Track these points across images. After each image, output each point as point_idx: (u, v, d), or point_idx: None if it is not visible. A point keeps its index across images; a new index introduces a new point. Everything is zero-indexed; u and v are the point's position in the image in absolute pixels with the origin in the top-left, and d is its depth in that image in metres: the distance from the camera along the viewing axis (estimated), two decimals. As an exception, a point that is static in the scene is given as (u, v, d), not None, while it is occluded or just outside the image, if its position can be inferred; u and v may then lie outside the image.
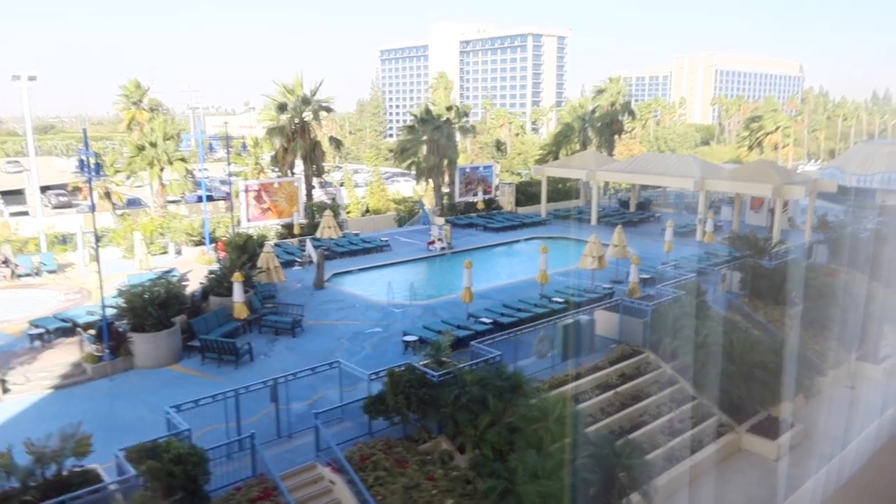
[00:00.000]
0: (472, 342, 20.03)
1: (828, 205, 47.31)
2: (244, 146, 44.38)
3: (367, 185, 64.03)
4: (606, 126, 62.64)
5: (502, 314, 24.68)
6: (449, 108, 51.96)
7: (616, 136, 68.22)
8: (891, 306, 26.68)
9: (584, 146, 60.78)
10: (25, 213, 47.48)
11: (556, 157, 60.88)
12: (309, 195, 44.42)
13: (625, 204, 52.88)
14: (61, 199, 56.47)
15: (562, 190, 54.77)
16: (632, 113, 69.48)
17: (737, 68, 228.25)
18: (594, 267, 27.92)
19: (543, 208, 48.65)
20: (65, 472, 12.40)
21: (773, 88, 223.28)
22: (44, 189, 58.07)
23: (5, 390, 18.87)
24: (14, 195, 58.47)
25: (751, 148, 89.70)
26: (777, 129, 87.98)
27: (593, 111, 62.81)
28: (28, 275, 31.56)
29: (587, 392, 19.87)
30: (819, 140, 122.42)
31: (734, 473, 18.64)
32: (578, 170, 47.44)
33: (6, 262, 31.33)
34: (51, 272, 32.04)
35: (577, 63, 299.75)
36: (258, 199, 39.63)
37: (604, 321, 23.44)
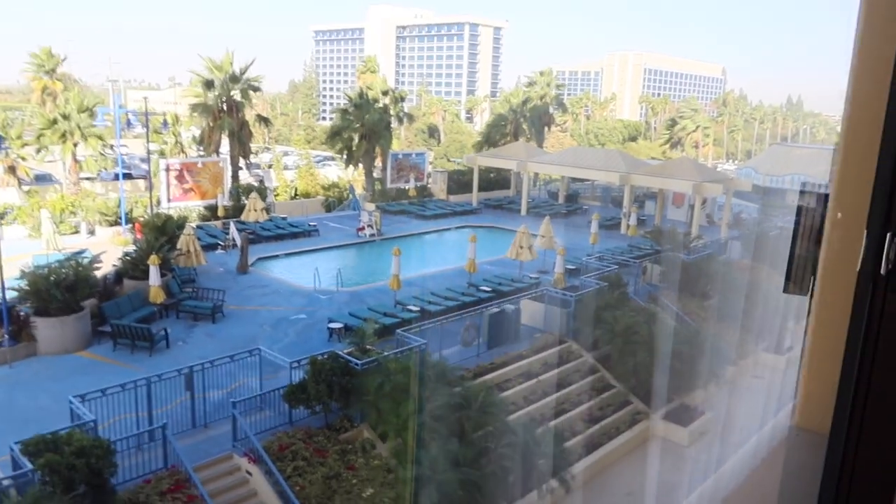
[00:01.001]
0: (399, 330, 19.87)
1: (743, 203, 49.34)
2: (165, 123, 42.53)
3: (296, 168, 62.70)
4: (538, 118, 63.38)
5: (430, 302, 24.60)
6: (385, 94, 51.35)
7: (547, 129, 69.16)
8: (795, 301, 28.01)
9: (517, 137, 61.33)
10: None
11: (490, 147, 61.26)
12: (235, 176, 43.11)
13: (554, 196, 53.69)
14: (-37, 172, 52.79)
15: (494, 180, 55.09)
16: (563, 106, 70.61)
17: (664, 68, 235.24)
18: (522, 257, 28.19)
19: (475, 197, 48.81)
20: (-46, 466, 11.56)
21: (698, 89, 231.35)
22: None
23: None
24: None
25: (672, 146, 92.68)
26: (697, 128, 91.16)
27: (525, 102, 63.38)
28: (-78, 253, 29.35)
29: (511, 380, 20.05)
30: (737, 141, 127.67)
31: (648, 459, 19.22)
32: (510, 160, 47.80)
33: None
34: (-52, 251, 29.88)
35: (514, 54, 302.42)
36: (180, 178, 38.12)
37: (529, 311, 23.70)
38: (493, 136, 63.97)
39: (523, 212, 45.73)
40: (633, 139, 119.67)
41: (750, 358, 25.36)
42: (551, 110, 65.79)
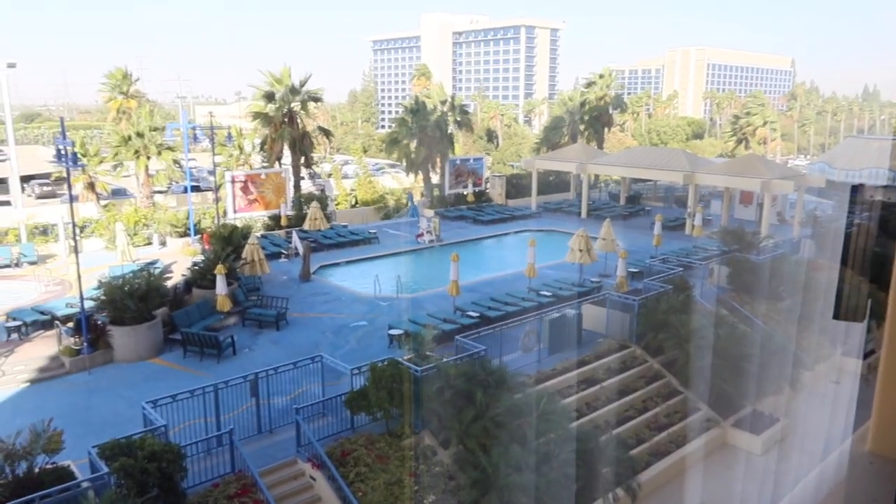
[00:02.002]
0: (458, 336, 19.81)
1: (817, 199, 47.32)
2: (229, 136, 43.83)
3: (356, 176, 63.63)
4: (597, 119, 62.42)
5: (489, 308, 24.47)
6: (443, 102, 51.56)
7: (607, 129, 68.04)
8: (879, 299, 26.63)
9: (575, 139, 60.58)
10: (7, 203, 46.82)
11: (548, 150, 60.68)
12: (297, 186, 43.99)
13: (615, 197, 52.76)
14: (45, 188, 55.77)
15: (552, 183, 54.63)
16: (623, 106, 69.29)
17: (729, 62, 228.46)
18: (582, 261, 27.72)
19: (534, 201, 48.46)
20: (36, 470, 12.11)
21: (765, 83, 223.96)
22: (28, 178, 57.45)
23: (-20, 384, 18.53)
24: (-4, 185, 57.71)
25: (738, 142, 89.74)
26: (765, 123, 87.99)
27: (583, 104, 62.52)
28: (7, 266, 31.09)
29: (573, 387, 19.71)
30: (808, 135, 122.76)
31: (719, 468, 18.56)
32: (569, 163, 47.24)
33: (-15, 252, 30.87)
34: (31, 263, 31.56)
35: (571, 55, 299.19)
36: (245, 190, 39.18)
37: (591, 315, 23.28)
38: (551, 139, 63.36)
39: (583, 214, 45.10)
40: (698, 137, 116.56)
41: (827, 362, 24.22)
42: (611, 110, 64.62)
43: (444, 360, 17.50)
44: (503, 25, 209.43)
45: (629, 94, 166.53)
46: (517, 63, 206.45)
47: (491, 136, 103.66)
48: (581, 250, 27.52)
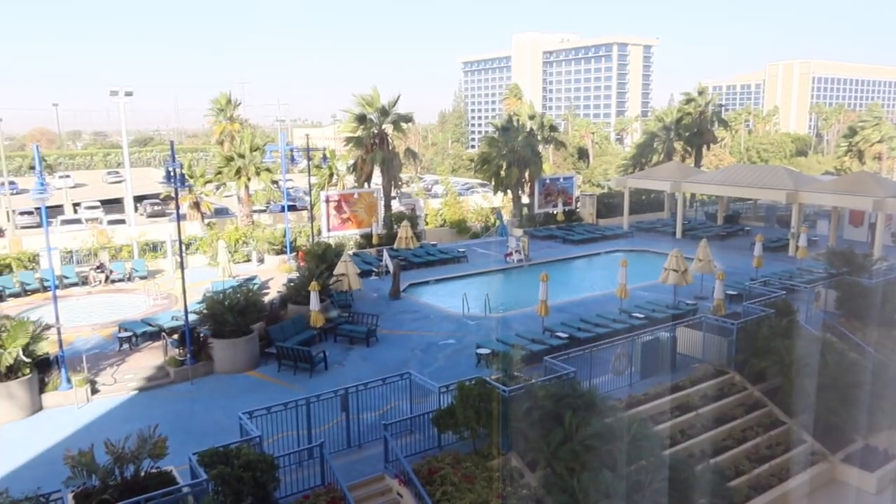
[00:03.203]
0: (546, 357, 19.53)
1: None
2: (324, 157, 45.38)
3: (445, 195, 64.34)
4: (694, 136, 60.53)
5: (579, 329, 24.04)
6: (532, 118, 51.45)
7: (706, 147, 65.88)
8: None
9: (669, 157, 58.95)
10: (122, 222, 50.19)
11: (640, 168, 59.32)
12: (388, 206, 44.93)
13: (711, 217, 50.89)
14: (155, 208, 59.53)
15: (645, 202, 53.33)
16: (723, 122, 66.88)
17: (836, 75, 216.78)
18: (677, 282, 26.81)
19: (626, 220, 47.44)
20: (142, 473, 12.77)
21: (878, 96, 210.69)
22: (141, 198, 61.56)
23: (95, 391, 19.80)
24: (114, 204, 62.11)
25: (852, 159, 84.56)
26: (882, 139, 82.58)
27: (679, 120, 60.79)
28: (121, 280, 33.29)
29: (666, 413, 18.98)
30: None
31: (828, 506, 17.33)
32: (662, 181, 46.00)
33: (101, 267, 33.14)
34: (142, 278, 33.68)
35: (665, 72, 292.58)
36: (338, 209, 40.37)
37: (686, 339, 22.42)
38: (644, 157, 61.95)
39: (678, 234, 43.71)
40: (802, 154, 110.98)
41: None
42: (710, 126, 62.51)
43: (533, 380, 17.26)
44: (594, 44, 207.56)
45: (727, 110, 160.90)
46: (609, 81, 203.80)
47: (582, 154, 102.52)
48: (676, 271, 26.64)
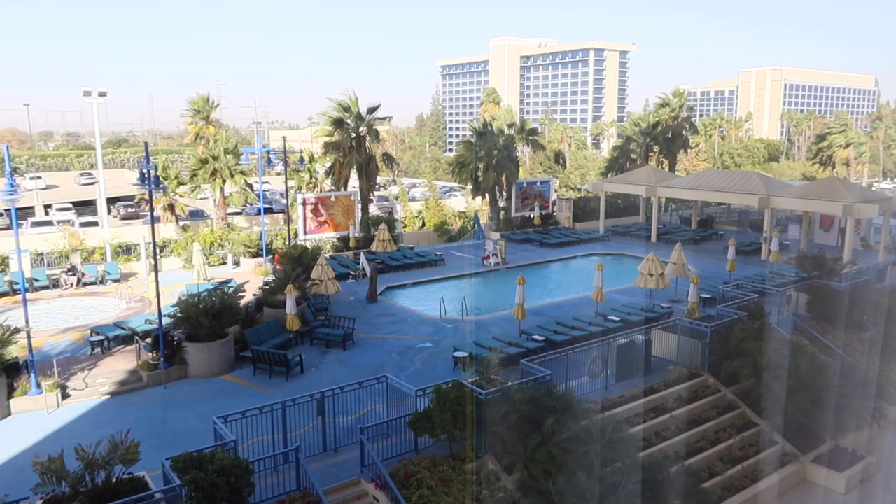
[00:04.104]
0: (523, 360, 19.60)
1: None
2: (301, 160, 45.11)
3: (423, 199, 64.32)
4: (668, 141, 61.25)
5: (555, 332, 24.17)
6: (510, 125, 51.65)
7: (683, 151, 66.71)
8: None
9: (645, 161, 59.58)
10: (95, 224, 49.42)
11: (616, 173, 59.85)
12: (365, 209, 44.81)
13: (686, 221, 51.51)
14: (129, 210, 58.67)
15: (621, 206, 53.80)
16: (694, 127, 67.82)
17: (808, 82, 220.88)
18: (652, 285, 27.10)
19: (602, 224, 47.83)
20: (114, 479, 12.60)
21: (847, 103, 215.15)
22: (114, 200, 60.69)
23: (65, 396, 19.46)
24: (87, 206, 61.15)
25: (821, 165, 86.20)
26: (848, 145, 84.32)
27: (655, 125, 61.50)
28: (93, 283, 32.77)
29: (641, 415, 19.16)
30: (895, 157, 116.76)
31: (798, 507, 17.61)
32: (638, 185, 46.44)
33: (73, 270, 32.59)
34: (114, 281, 33.17)
35: (641, 78, 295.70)
36: (315, 212, 40.16)
37: (660, 342, 22.64)
38: (619, 162, 62.51)
39: (653, 238, 44.16)
40: (774, 159, 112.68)
41: (917, 397, 22.76)
42: (684, 132, 63.31)
43: (510, 383, 17.33)
44: (571, 49, 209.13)
45: (701, 115, 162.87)
46: (585, 86, 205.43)
47: (558, 158, 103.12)
48: (651, 275, 26.93)
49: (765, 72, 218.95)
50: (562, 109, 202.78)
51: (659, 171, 51.18)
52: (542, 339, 23.31)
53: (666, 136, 61.04)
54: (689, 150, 72.72)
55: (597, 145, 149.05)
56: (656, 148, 61.48)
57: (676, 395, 20.32)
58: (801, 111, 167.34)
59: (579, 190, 75.52)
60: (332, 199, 41.09)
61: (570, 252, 41.66)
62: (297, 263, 28.72)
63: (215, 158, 43.63)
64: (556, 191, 53.18)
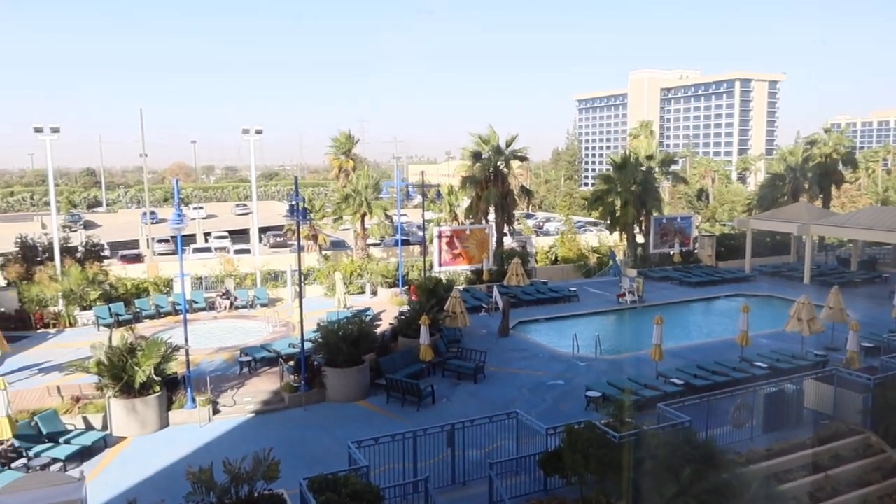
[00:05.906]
0: (660, 404, 18.72)
1: None
2: (438, 193, 46.34)
3: (558, 233, 63.72)
4: (823, 176, 56.88)
5: (695, 376, 22.93)
6: (650, 157, 50.25)
7: (836, 187, 61.75)
8: None
9: (796, 197, 55.66)
10: (248, 251, 53.22)
11: (764, 209, 56.35)
12: (499, 242, 45.08)
13: (844, 262, 47.42)
14: (278, 239, 62.76)
15: (769, 244, 50.52)
16: (854, 162, 62.60)
17: None
18: (804, 331, 25.07)
19: (748, 263, 45.08)
20: (255, 494, 13.28)
21: None
22: (265, 230, 65.18)
23: (216, 411, 20.91)
24: (241, 234, 66.09)
25: None
26: None
27: (806, 160, 57.39)
28: (244, 306, 35.19)
29: (791, 472, 17.61)
30: None
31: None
32: (789, 223, 43.44)
33: (227, 293, 35.20)
34: (263, 305, 35.46)
35: (793, 108, 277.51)
36: (450, 244, 40.92)
37: (814, 393, 20.82)
38: (768, 197, 58.75)
39: (806, 280, 41.01)
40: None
41: None
42: (840, 167, 58.60)
43: (646, 427, 16.58)
44: (716, 80, 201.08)
45: (862, 147, 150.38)
46: (731, 118, 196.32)
47: (701, 194, 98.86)
48: (803, 319, 24.93)
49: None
50: (704, 143, 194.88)
51: (812, 207, 47.74)
52: (681, 382, 22.19)
53: (819, 172, 56.75)
54: (844, 185, 67.06)
55: (742, 180, 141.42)
56: (807, 184, 57.31)
57: (833, 452, 18.52)
58: None
59: (723, 226, 71.77)
60: (468, 231, 41.72)
61: (712, 292, 39.58)
62: (431, 295, 29.30)
63: (357, 192, 45.81)
64: (697, 227, 50.83)
